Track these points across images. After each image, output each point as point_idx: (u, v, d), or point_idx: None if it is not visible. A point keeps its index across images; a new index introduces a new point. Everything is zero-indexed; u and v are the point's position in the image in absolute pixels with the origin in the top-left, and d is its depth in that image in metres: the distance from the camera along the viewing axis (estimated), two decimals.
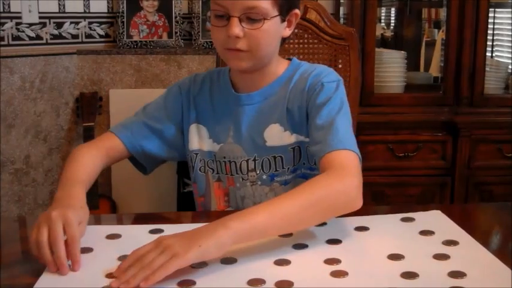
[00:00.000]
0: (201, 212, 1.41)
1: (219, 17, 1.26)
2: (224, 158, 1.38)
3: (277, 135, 1.34)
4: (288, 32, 1.33)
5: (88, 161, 1.31)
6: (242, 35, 1.23)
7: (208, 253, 0.96)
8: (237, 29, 1.23)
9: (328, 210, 1.09)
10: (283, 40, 1.34)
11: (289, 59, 1.41)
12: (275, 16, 1.26)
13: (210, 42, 2.99)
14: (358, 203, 1.11)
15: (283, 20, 1.29)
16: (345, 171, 1.13)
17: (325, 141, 1.20)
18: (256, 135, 1.35)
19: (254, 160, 1.36)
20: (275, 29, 1.28)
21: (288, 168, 1.35)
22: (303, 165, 1.35)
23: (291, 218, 1.05)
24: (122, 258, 1.03)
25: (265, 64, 1.33)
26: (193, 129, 1.41)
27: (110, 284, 0.92)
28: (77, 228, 1.03)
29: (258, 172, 1.36)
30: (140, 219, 1.30)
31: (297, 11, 1.32)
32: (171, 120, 1.41)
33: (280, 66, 1.37)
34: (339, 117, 1.25)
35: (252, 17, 1.23)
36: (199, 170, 1.41)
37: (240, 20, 1.23)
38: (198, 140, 1.40)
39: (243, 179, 1.37)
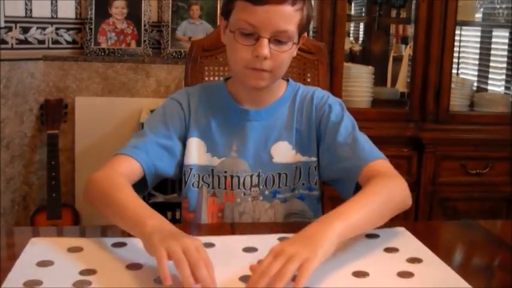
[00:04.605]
0: None
1: (246, 35, 1.25)
2: (225, 172, 1.37)
3: (284, 153, 1.38)
4: (295, 54, 1.36)
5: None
6: (269, 56, 1.25)
7: (328, 253, 1.01)
8: (266, 49, 1.24)
9: (395, 207, 1.20)
10: None
11: (285, 79, 1.44)
12: (298, 40, 1.30)
13: (179, 51, 2.98)
14: (410, 201, 1.25)
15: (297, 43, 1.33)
16: (392, 176, 1.26)
17: (357, 156, 1.30)
18: (262, 151, 1.37)
19: (258, 176, 1.38)
20: (293, 52, 1.32)
21: (289, 186, 1.38)
22: (302, 185, 1.40)
23: (375, 215, 1.14)
24: (83, 272, 1.01)
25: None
26: (192, 143, 1.38)
27: None
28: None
29: (261, 188, 1.38)
30: (103, 231, 1.28)
31: (305, 34, 1.36)
32: (177, 136, 1.37)
33: (281, 86, 1.41)
34: (356, 132, 1.36)
35: (279, 39, 1.25)
36: (193, 185, 1.38)
37: (269, 41, 1.24)
38: (196, 154, 1.38)
39: (244, 194, 1.38)
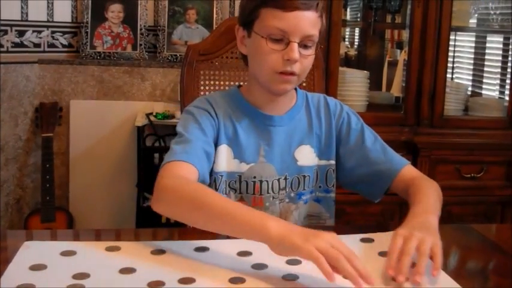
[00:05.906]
0: (159, 229, 1.39)
1: (276, 40, 1.28)
2: (254, 177, 1.38)
3: (307, 156, 1.42)
4: None
5: None
6: (299, 59, 1.28)
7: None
8: (297, 53, 1.28)
9: (440, 203, 1.31)
10: None
11: None
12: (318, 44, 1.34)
13: (175, 55, 2.98)
14: None
15: None
16: (427, 178, 1.39)
17: (390, 161, 1.42)
18: (286, 156, 1.41)
19: (285, 179, 1.41)
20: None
21: (310, 188, 1.44)
22: (319, 187, 1.45)
23: (438, 211, 1.26)
24: (76, 276, 1.00)
25: None
26: (222, 150, 1.37)
27: (399, 282, 1.00)
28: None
29: (287, 190, 1.41)
30: (97, 235, 1.27)
31: None
32: (213, 142, 1.36)
33: (293, 92, 1.44)
34: (380, 139, 1.46)
35: (306, 44, 1.29)
36: (222, 192, 1.38)
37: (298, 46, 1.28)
38: (225, 160, 1.37)
39: (273, 197, 1.40)
